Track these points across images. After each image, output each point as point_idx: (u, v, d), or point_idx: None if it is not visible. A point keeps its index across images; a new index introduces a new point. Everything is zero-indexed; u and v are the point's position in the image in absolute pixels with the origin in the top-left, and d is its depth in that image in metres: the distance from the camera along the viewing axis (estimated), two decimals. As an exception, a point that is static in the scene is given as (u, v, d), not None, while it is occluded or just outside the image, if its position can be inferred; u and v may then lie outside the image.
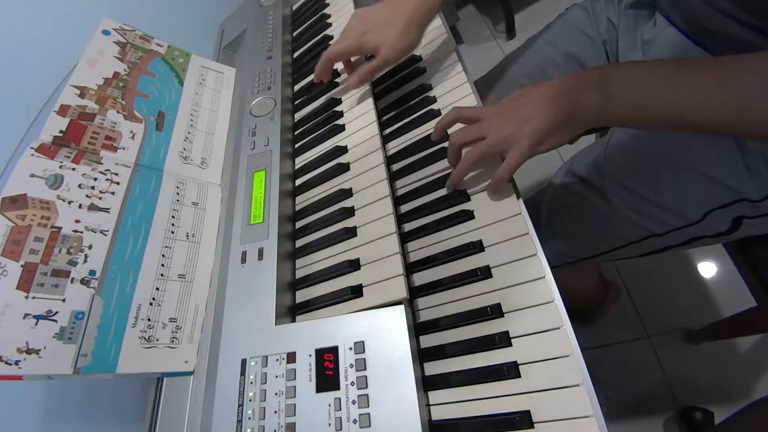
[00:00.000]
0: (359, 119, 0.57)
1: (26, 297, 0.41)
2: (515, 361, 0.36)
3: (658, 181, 0.52)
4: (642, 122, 0.40)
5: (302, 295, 0.48)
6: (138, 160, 0.56)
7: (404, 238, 0.48)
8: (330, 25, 0.74)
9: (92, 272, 0.45)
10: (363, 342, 0.38)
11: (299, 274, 0.50)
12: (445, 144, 0.51)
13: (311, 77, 0.69)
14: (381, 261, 0.44)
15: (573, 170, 0.61)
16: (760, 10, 0.43)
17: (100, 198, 0.50)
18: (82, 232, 0.47)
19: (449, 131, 0.48)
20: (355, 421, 0.35)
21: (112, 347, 0.43)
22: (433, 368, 0.39)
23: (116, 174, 0.53)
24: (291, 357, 0.40)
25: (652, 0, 0.58)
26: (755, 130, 0.35)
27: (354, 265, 0.45)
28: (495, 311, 0.38)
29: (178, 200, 0.56)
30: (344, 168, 0.53)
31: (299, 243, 0.52)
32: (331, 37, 0.72)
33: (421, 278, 0.44)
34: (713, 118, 0.36)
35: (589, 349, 1.06)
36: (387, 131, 0.57)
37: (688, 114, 0.37)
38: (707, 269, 1.08)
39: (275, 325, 0.42)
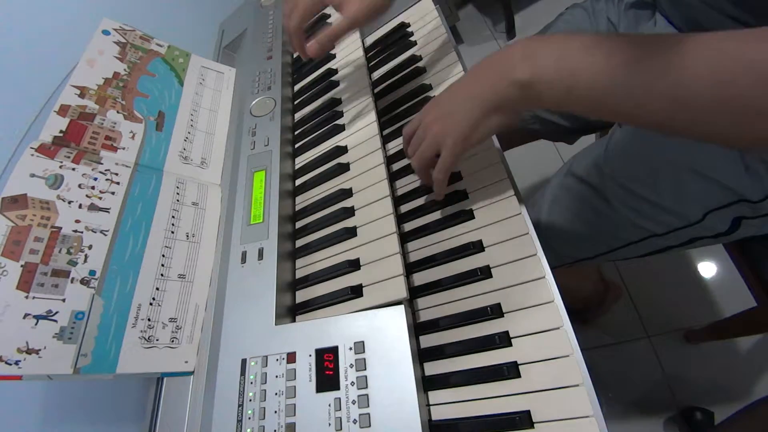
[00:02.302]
0: (359, 119, 0.57)
1: (26, 297, 0.41)
2: (515, 361, 0.36)
3: (658, 182, 0.52)
4: (571, 107, 0.35)
5: (302, 295, 0.48)
6: (138, 160, 0.56)
7: (404, 238, 0.48)
8: (330, 25, 0.74)
9: (92, 272, 0.45)
10: (363, 342, 0.38)
11: (299, 274, 0.50)
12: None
13: (311, 77, 0.69)
14: (381, 261, 0.44)
15: (573, 171, 0.61)
16: (759, 10, 0.43)
17: (100, 198, 0.50)
18: (82, 232, 0.47)
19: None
20: (355, 421, 0.35)
21: (112, 347, 0.43)
22: (433, 368, 0.39)
23: (116, 174, 0.53)
24: (291, 357, 0.40)
25: (652, 0, 0.58)
26: (694, 123, 0.30)
27: (354, 265, 0.45)
28: (495, 311, 0.38)
29: (178, 200, 0.56)
30: (344, 168, 0.53)
31: (299, 243, 0.52)
32: (331, 37, 0.72)
33: (421, 278, 0.44)
34: (650, 107, 0.30)
35: (589, 349, 1.06)
36: (387, 131, 0.57)
37: (622, 99, 0.31)
38: (707, 269, 1.08)
39: (275, 325, 0.42)
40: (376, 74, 0.64)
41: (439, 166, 0.41)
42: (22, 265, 0.42)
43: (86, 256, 0.46)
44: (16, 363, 0.38)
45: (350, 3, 0.47)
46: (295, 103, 0.68)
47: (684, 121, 0.30)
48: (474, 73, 0.40)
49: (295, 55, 0.76)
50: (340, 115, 0.59)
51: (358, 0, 0.47)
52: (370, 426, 0.35)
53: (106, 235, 0.48)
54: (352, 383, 0.37)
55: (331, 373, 0.38)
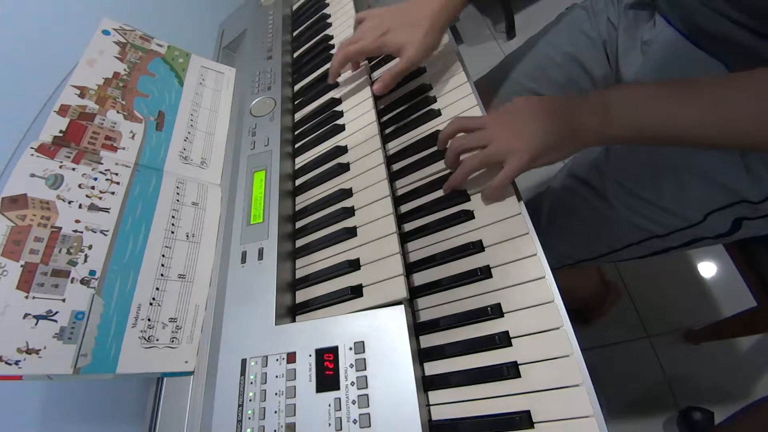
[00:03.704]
0: (359, 119, 0.57)
1: (26, 297, 0.41)
2: (515, 361, 0.36)
3: (659, 183, 0.52)
4: (641, 141, 0.42)
5: (302, 295, 0.48)
6: (138, 160, 0.56)
7: (404, 238, 0.48)
8: (330, 25, 0.74)
9: (92, 272, 0.45)
10: (363, 342, 0.38)
11: (299, 274, 0.50)
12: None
13: (311, 77, 0.69)
14: (381, 261, 0.44)
15: (573, 172, 0.61)
16: (755, 11, 0.43)
17: (100, 198, 0.50)
18: (82, 232, 0.47)
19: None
20: (355, 421, 0.35)
21: (112, 347, 0.43)
22: (433, 368, 0.39)
23: (116, 174, 0.53)
24: (291, 357, 0.40)
25: (652, 0, 0.58)
26: (753, 142, 0.38)
27: (354, 265, 0.45)
28: (495, 311, 0.38)
29: (178, 200, 0.56)
30: (344, 168, 0.53)
31: (299, 243, 0.52)
32: (331, 37, 0.72)
33: (421, 278, 0.44)
34: (710, 136, 0.38)
35: (590, 349, 1.06)
36: (387, 131, 0.57)
37: (684, 133, 0.39)
38: (707, 269, 1.08)
39: (275, 325, 0.42)
40: (377, 74, 0.64)
41: (503, 176, 0.42)
42: (22, 265, 0.42)
43: (86, 256, 0.46)
44: (16, 363, 0.38)
45: (407, 50, 0.52)
46: (295, 103, 0.68)
47: (741, 142, 0.39)
48: (556, 103, 0.43)
49: (295, 55, 0.76)
50: (340, 115, 0.59)
51: (414, 47, 0.51)
52: (370, 426, 0.35)
53: (106, 235, 0.48)
54: (352, 383, 0.37)
55: (331, 373, 0.38)
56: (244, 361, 0.41)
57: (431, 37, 0.52)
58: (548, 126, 0.42)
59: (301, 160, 0.60)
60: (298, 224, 0.54)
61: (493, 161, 0.43)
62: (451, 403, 0.37)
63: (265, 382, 0.39)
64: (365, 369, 0.37)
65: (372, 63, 0.65)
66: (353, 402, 0.36)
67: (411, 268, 0.45)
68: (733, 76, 0.38)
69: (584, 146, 0.43)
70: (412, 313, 0.43)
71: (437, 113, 0.54)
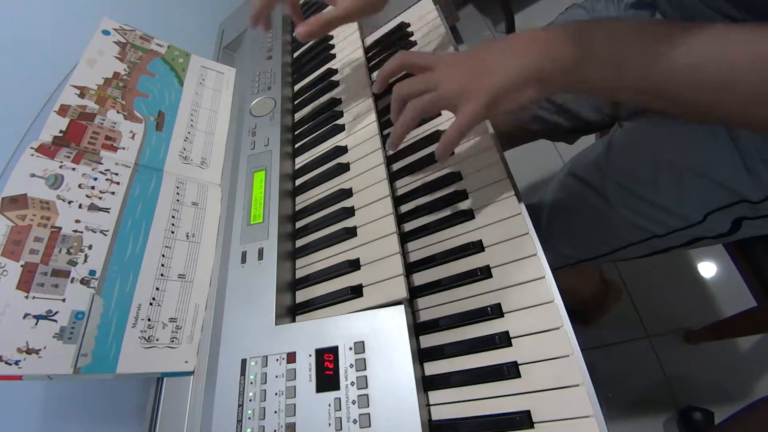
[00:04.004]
0: (359, 119, 0.57)
1: (26, 297, 0.41)
2: (515, 361, 0.36)
3: (659, 183, 0.52)
4: (615, 88, 0.36)
5: (302, 295, 0.48)
6: (138, 160, 0.56)
7: (404, 238, 0.48)
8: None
9: (92, 272, 0.45)
10: (363, 342, 0.38)
11: (299, 274, 0.50)
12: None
13: (311, 77, 0.69)
14: (381, 261, 0.44)
15: (573, 171, 0.61)
16: (755, 10, 0.43)
17: (100, 198, 0.50)
18: (82, 232, 0.47)
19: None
20: (355, 421, 0.35)
21: (112, 347, 0.43)
22: (433, 368, 0.39)
23: (116, 174, 0.53)
24: (291, 357, 0.40)
25: (652, 0, 0.58)
26: (744, 112, 0.32)
27: (354, 265, 0.45)
28: (495, 311, 0.38)
29: (178, 200, 0.56)
30: (344, 168, 0.53)
31: (299, 243, 0.52)
32: (331, 37, 0.72)
33: (421, 278, 0.44)
34: (699, 88, 0.33)
35: (589, 349, 1.06)
36: (387, 131, 0.57)
37: (670, 83, 0.33)
38: (707, 269, 1.08)
39: (275, 325, 0.42)
40: (377, 74, 0.64)
41: (455, 126, 0.37)
42: (22, 265, 0.42)
43: (86, 256, 0.46)
44: (16, 363, 0.38)
45: None
46: (295, 103, 0.68)
47: (728, 105, 0.32)
48: (515, 42, 0.37)
49: (295, 55, 0.76)
50: (340, 115, 0.59)
51: None
52: (370, 426, 0.35)
53: (106, 235, 0.48)
54: (352, 383, 0.37)
55: (331, 373, 0.38)
56: (244, 361, 0.41)
57: None
58: (509, 62, 0.35)
59: (301, 160, 0.60)
60: (298, 224, 0.54)
61: (442, 106, 0.38)
62: (451, 403, 0.37)
63: (265, 382, 0.39)
64: (365, 369, 0.37)
65: (371, 64, 0.66)
66: (353, 402, 0.36)
67: (411, 268, 0.45)
68: (736, 27, 0.32)
69: (553, 88, 0.37)
70: (412, 313, 0.43)
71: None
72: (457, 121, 0.37)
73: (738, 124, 0.38)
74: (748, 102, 0.31)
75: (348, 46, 0.67)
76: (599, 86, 0.36)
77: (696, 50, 0.32)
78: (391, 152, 0.41)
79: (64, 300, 0.42)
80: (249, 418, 0.38)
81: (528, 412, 0.33)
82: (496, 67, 0.36)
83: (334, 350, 0.39)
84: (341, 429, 0.35)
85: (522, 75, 0.35)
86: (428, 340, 0.41)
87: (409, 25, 0.66)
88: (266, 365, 0.40)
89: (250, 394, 0.39)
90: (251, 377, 0.40)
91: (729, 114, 0.34)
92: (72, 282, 0.44)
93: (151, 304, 0.48)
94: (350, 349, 0.38)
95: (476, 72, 0.36)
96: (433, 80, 0.38)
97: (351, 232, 0.47)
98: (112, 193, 0.51)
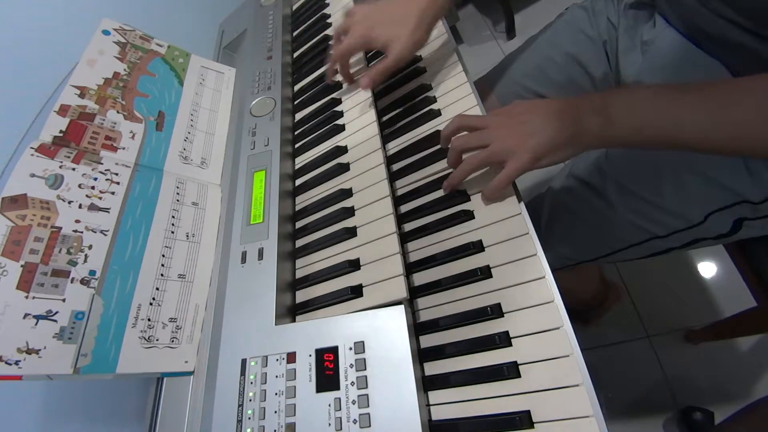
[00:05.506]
0: (359, 119, 0.57)
1: (26, 297, 0.41)
2: (515, 361, 0.36)
3: (659, 184, 0.52)
4: (642, 144, 0.42)
5: (302, 295, 0.48)
6: (138, 160, 0.56)
7: (404, 238, 0.48)
8: (330, 25, 0.74)
9: (92, 272, 0.45)
10: (363, 342, 0.38)
11: (299, 274, 0.50)
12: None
13: (311, 77, 0.69)
14: (381, 261, 0.44)
15: (574, 172, 0.61)
16: (752, 12, 0.43)
17: (100, 198, 0.50)
18: (82, 232, 0.47)
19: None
20: (355, 421, 0.35)
21: (112, 347, 0.43)
22: (433, 368, 0.39)
23: (116, 174, 0.53)
24: (291, 357, 0.40)
25: (651, 0, 0.58)
26: (755, 149, 0.38)
27: (354, 265, 0.45)
28: (495, 311, 0.38)
29: (178, 200, 0.56)
30: (344, 168, 0.53)
31: (299, 243, 0.52)
32: (331, 37, 0.72)
33: (421, 278, 0.44)
34: (712, 141, 0.38)
35: (589, 349, 1.06)
36: (387, 131, 0.57)
37: (686, 137, 0.39)
38: (707, 269, 1.08)
39: (275, 325, 0.42)
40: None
41: (504, 176, 0.42)
42: (22, 265, 0.42)
43: (86, 256, 0.46)
44: (16, 363, 0.38)
45: (394, 46, 0.52)
46: (295, 103, 0.68)
47: (743, 149, 0.39)
48: (559, 105, 0.43)
49: (295, 55, 0.76)
50: (340, 115, 0.59)
51: (401, 43, 0.51)
52: (370, 426, 0.35)
53: (106, 235, 0.48)
54: (352, 383, 0.37)
55: (331, 373, 0.38)
56: (244, 361, 0.41)
57: (419, 34, 0.52)
58: (550, 127, 0.42)
59: (301, 160, 0.60)
60: (298, 224, 0.54)
61: (495, 161, 0.43)
62: (451, 403, 0.37)
63: (265, 382, 0.39)
64: (365, 369, 0.37)
65: (371, 64, 0.65)
66: (353, 402, 0.36)
67: (411, 268, 0.45)
68: (738, 81, 0.38)
69: (585, 148, 0.43)
70: (412, 313, 0.43)
71: (437, 113, 0.54)
72: (506, 173, 0.42)
73: (759, 156, 0.45)
74: (760, 149, 0.37)
75: (348, 46, 0.67)
76: (626, 145, 0.43)
77: (708, 113, 0.38)
78: (445, 192, 0.48)
79: (64, 300, 0.42)
80: (249, 418, 0.38)
81: (528, 412, 0.33)
82: (540, 132, 0.42)
83: (334, 350, 0.39)
84: (341, 429, 0.35)
85: (560, 139, 0.42)
86: (428, 340, 0.41)
87: (409, 25, 0.66)
88: (266, 365, 0.40)
89: (250, 394, 0.39)
90: (251, 377, 0.40)
91: (746, 152, 0.41)
92: (72, 282, 0.44)
93: (151, 304, 0.48)
94: (350, 349, 0.38)
95: (523, 134, 0.42)
96: (487, 138, 0.44)
97: (351, 232, 0.47)
98: (112, 193, 0.51)
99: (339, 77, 0.63)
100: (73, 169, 0.50)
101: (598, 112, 0.41)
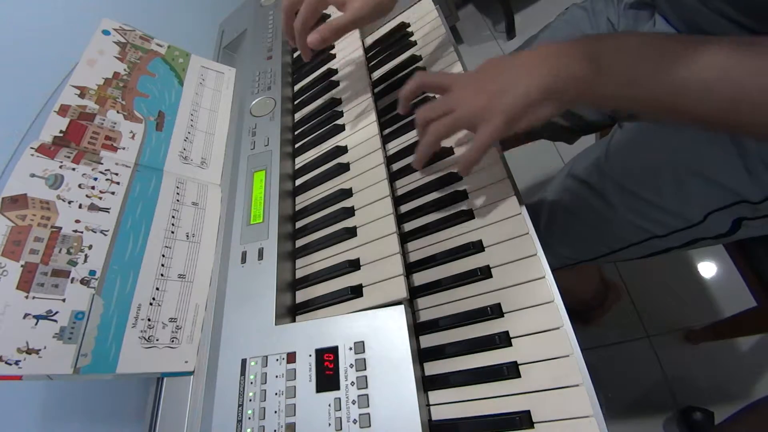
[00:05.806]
0: (359, 119, 0.57)
1: (26, 297, 0.41)
2: (515, 361, 0.36)
3: (659, 183, 0.52)
4: (628, 101, 0.36)
5: (302, 295, 0.48)
6: (138, 160, 0.56)
7: (404, 238, 0.48)
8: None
9: (92, 272, 0.45)
10: (363, 342, 0.38)
11: (299, 274, 0.50)
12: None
13: (311, 77, 0.69)
14: (381, 261, 0.44)
15: (573, 172, 0.61)
16: (753, 11, 0.43)
17: (100, 198, 0.50)
18: (82, 232, 0.47)
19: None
20: (355, 421, 0.35)
21: (112, 347, 0.43)
22: (433, 368, 0.39)
23: (116, 174, 0.53)
24: (291, 357, 0.40)
25: (652, 0, 0.58)
26: (751, 120, 0.33)
27: (354, 265, 0.45)
28: (495, 311, 0.38)
29: (178, 200, 0.56)
30: (344, 168, 0.53)
31: (299, 243, 0.52)
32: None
33: (421, 278, 0.44)
34: (709, 103, 0.33)
35: (589, 349, 1.06)
36: (387, 131, 0.57)
37: (682, 96, 0.34)
38: (707, 269, 1.08)
39: (275, 325, 0.42)
40: (376, 74, 0.64)
41: (475, 146, 0.37)
42: (22, 265, 0.42)
43: (86, 256, 0.46)
44: (16, 363, 0.38)
45: (352, 3, 0.46)
46: (295, 103, 0.68)
47: (738, 116, 0.33)
48: (528, 59, 0.37)
49: (295, 55, 0.76)
50: (340, 115, 0.59)
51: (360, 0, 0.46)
52: (370, 426, 0.35)
53: (106, 235, 0.48)
54: (352, 383, 0.37)
55: (331, 373, 0.38)
56: (244, 361, 0.41)
57: None
58: (523, 82, 0.36)
59: (301, 160, 0.60)
60: (298, 224, 0.54)
61: (461, 127, 0.39)
62: (451, 403, 0.37)
63: (265, 382, 0.39)
64: (365, 369, 0.37)
65: (371, 64, 0.66)
66: (353, 402, 0.36)
67: (411, 268, 0.45)
68: (756, 39, 0.32)
69: (568, 103, 0.37)
70: (412, 313, 0.43)
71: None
72: (477, 141, 0.37)
73: (755, 136, 0.39)
74: (759, 116, 0.32)
75: (348, 46, 0.68)
76: (612, 101, 0.37)
77: (705, 67, 0.32)
78: (417, 170, 0.44)
79: (64, 300, 0.42)
80: (249, 418, 0.38)
81: (528, 412, 0.33)
82: (512, 86, 0.36)
83: (334, 350, 0.39)
84: (341, 429, 0.35)
85: (537, 92, 0.36)
86: (428, 340, 0.41)
87: (409, 25, 0.66)
88: (266, 365, 0.40)
89: (250, 394, 0.39)
90: (251, 377, 0.40)
91: (743, 126, 0.34)
92: (72, 282, 0.44)
93: (151, 304, 0.48)
94: (350, 349, 0.38)
95: (492, 92, 0.37)
96: (451, 102, 0.39)
97: (351, 232, 0.47)
98: (112, 193, 0.51)
99: (340, 76, 0.63)
100: (73, 169, 0.50)
101: (585, 56, 0.35)
